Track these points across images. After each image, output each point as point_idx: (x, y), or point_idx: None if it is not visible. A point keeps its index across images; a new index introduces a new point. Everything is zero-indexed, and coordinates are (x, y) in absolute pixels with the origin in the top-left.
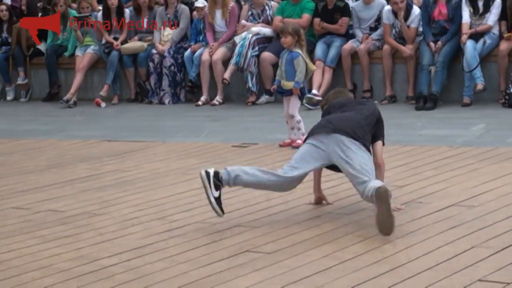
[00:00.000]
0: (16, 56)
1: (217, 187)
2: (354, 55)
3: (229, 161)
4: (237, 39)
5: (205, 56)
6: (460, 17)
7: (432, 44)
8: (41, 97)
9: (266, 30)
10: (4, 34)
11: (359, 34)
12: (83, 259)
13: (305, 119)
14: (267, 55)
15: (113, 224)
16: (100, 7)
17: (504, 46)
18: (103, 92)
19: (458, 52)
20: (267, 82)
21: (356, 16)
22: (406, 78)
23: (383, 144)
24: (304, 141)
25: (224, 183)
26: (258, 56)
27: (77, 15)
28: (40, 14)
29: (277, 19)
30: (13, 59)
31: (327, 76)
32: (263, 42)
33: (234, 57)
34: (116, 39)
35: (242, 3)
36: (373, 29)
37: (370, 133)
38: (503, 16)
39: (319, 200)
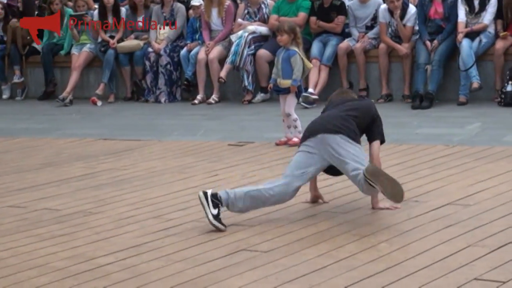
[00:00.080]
0: (11, 55)
1: (216, 205)
2: (350, 53)
3: (225, 160)
4: (233, 37)
5: (201, 55)
6: (456, 15)
7: (428, 43)
8: (37, 96)
9: (262, 29)
10: (0, 33)
11: (355, 32)
12: (79, 258)
13: (301, 118)
14: (263, 52)
15: (109, 223)
16: (96, 6)
17: (499, 45)
18: (99, 91)
19: (454, 51)
20: (263, 80)
21: (352, 14)
22: (402, 77)
23: (383, 142)
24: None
25: (224, 203)
26: (254, 54)
27: (73, 13)
28: (36, 13)
29: (273, 17)
30: (9, 58)
31: (323, 75)
32: (259, 41)
33: (230, 55)
34: (112, 37)
35: (238, 1)
36: (369, 27)
37: (356, 121)
38: (498, 15)
39: (315, 198)
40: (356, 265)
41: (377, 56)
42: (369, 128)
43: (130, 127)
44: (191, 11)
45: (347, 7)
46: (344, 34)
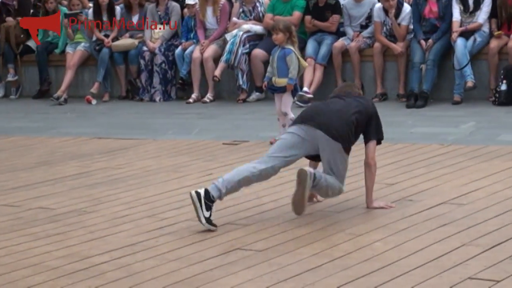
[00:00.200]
0: (5, 53)
1: (208, 208)
2: (345, 52)
3: (220, 159)
4: (228, 36)
5: (196, 54)
6: (450, 15)
7: (423, 42)
8: (32, 94)
9: (257, 28)
10: None
11: (350, 32)
12: (74, 257)
13: None
14: (258, 52)
15: (103, 222)
16: (91, 4)
17: (494, 44)
18: (94, 90)
19: (448, 50)
20: (258, 80)
21: (347, 13)
22: (397, 76)
23: (381, 141)
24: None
25: (216, 199)
26: (249, 53)
27: (67, 12)
28: (31, 11)
29: (268, 16)
30: (3, 57)
31: (318, 74)
32: (254, 40)
33: (225, 54)
34: (107, 36)
35: (233, 0)
36: (364, 27)
37: (357, 131)
38: (493, 14)
39: (311, 197)
40: (351, 264)
41: (371, 55)
42: (366, 128)
43: (125, 126)
44: (186, 10)
45: (342, 6)
46: (339, 33)
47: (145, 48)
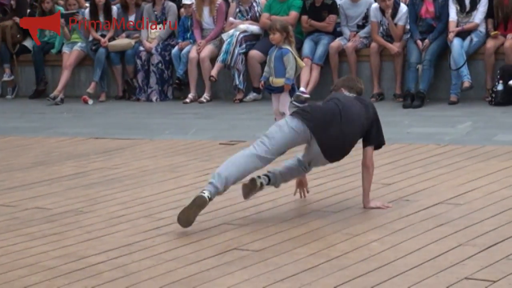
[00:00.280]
0: (1, 53)
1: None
2: (341, 52)
3: (216, 159)
4: (224, 36)
5: (193, 54)
6: (447, 15)
7: (419, 42)
8: (28, 94)
9: (254, 28)
10: None
11: (346, 32)
12: (70, 257)
13: None
14: (254, 53)
15: (100, 222)
16: (88, 4)
17: (490, 44)
18: (90, 90)
19: (445, 50)
20: (255, 81)
21: (344, 13)
22: (394, 76)
23: (382, 145)
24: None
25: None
26: (245, 53)
27: (64, 12)
28: (28, 11)
29: (265, 16)
30: None
31: (314, 74)
32: (251, 40)
33: (221, 54)
34: (103, 36)
35: (230, 0)
36: (360, 27)
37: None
38: (489, 14)
39: (300, 184)
40: (347, 264)
41: (368, 55)
42: (367, 134)
43: (122, 126)
44: (182, 10)
45: (338, 6)
46: (336, 33)
47: (141, 48)
